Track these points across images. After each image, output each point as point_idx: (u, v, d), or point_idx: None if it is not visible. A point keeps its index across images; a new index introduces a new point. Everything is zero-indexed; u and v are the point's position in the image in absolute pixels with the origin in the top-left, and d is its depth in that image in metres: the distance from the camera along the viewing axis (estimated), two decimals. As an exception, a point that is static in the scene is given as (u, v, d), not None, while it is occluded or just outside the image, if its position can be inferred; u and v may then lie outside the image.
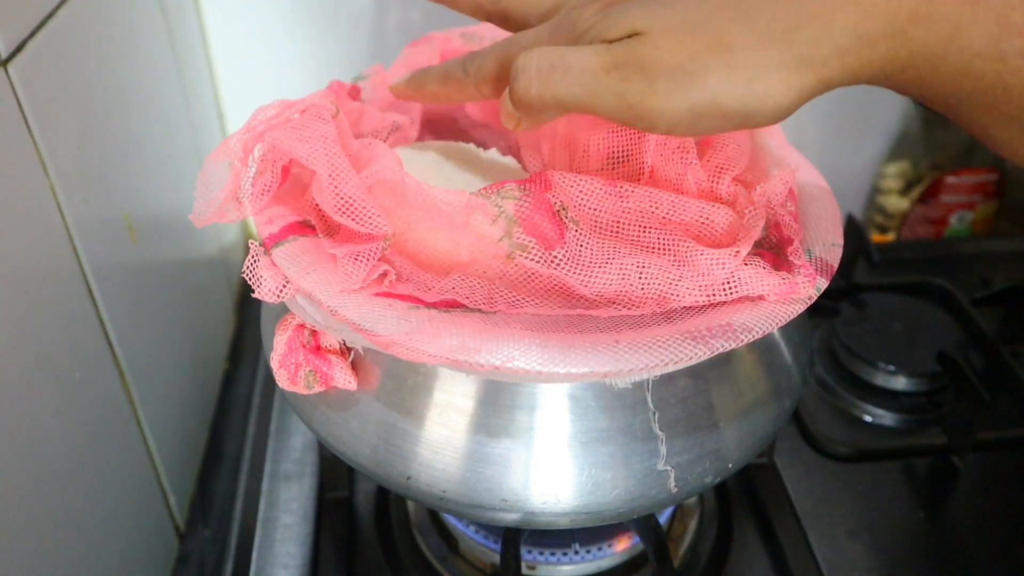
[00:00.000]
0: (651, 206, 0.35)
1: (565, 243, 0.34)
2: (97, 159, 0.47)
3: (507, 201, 0.34)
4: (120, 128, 0.51)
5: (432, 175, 0.40)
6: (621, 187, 0.35)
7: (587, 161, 0.40)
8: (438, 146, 0.43)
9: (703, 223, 0.35)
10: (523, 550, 0.47)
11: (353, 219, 0.34)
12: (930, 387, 0.61)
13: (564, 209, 0.34)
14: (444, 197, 0.34)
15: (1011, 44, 0.26)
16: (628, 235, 0.35)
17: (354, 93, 0.45)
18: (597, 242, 0.34)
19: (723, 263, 0.34)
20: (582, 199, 0.35)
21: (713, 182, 0.37)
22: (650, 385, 0.35)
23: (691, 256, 0.34)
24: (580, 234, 0.34)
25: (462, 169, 0.41)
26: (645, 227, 0.35)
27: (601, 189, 0.35)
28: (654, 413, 0.35)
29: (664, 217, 0.35)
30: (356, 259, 0.34)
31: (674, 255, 0.34)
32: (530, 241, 0.34)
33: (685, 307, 0.34)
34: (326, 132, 0.35)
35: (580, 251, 0.34)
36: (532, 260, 0.34)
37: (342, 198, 0.34)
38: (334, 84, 0.42)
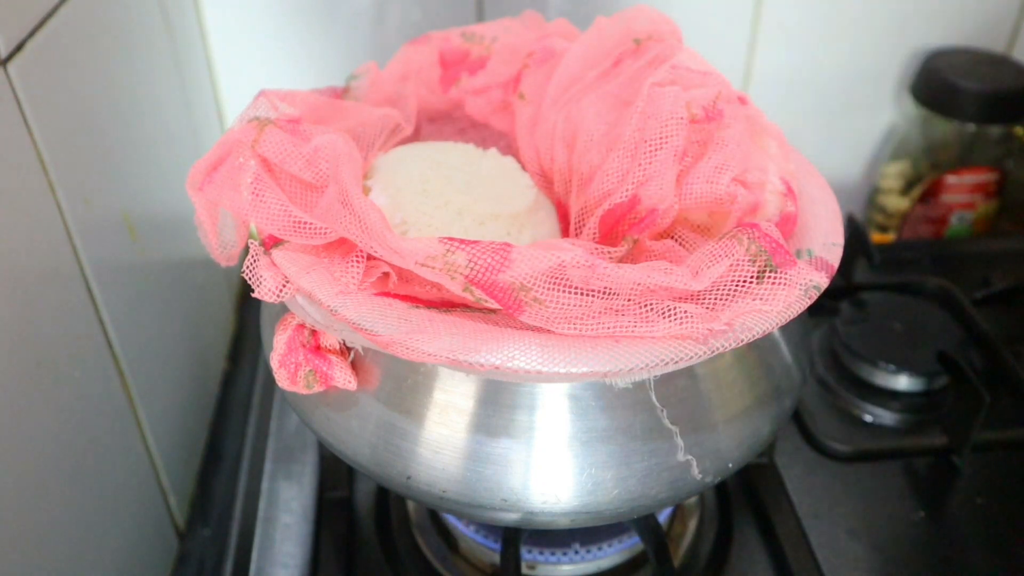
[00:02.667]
0: (620, 277, 0.32)
1: (524, 314, 0.32)
2: (97, 159, 0.47)
3: (457, 275, 0.32)
4: (120, 128, 0.51)
5: (432, 175, 0.39)
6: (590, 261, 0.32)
7: (588, 157, 0.40)
8: (438, 146, 0.43)
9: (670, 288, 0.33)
10: (523, 550, 0.47)
11: (306, 237, 0.35)
12: (930, 387, 0.60)
13: (525, 289, 0.32)
14: (398, 243, 0.33)
15: None
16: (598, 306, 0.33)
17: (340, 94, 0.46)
18: (564, 310, 0.32)
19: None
20: (545, 278, 0.32)
21: (713, 182, 0.37)
22: (652, 383, 0.35)
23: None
24: (544, 310, 0.32)
25: (462, 169, 0.41)
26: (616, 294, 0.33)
27: (570, 261, 0.32)
28: (662, 409, 0.35)
29: (636, 282, 0.32)
30: (345, 264, 0.34)
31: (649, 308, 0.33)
32: (489, 300, 0.32)
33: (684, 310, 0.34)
34: (246, 179, 0.36)
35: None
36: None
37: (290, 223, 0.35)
38: (266, 92, 0.40)
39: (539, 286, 0.32)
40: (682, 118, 0.37)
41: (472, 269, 0.32)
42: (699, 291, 0.33)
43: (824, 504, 0.53)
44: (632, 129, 0.37)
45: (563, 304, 0.32)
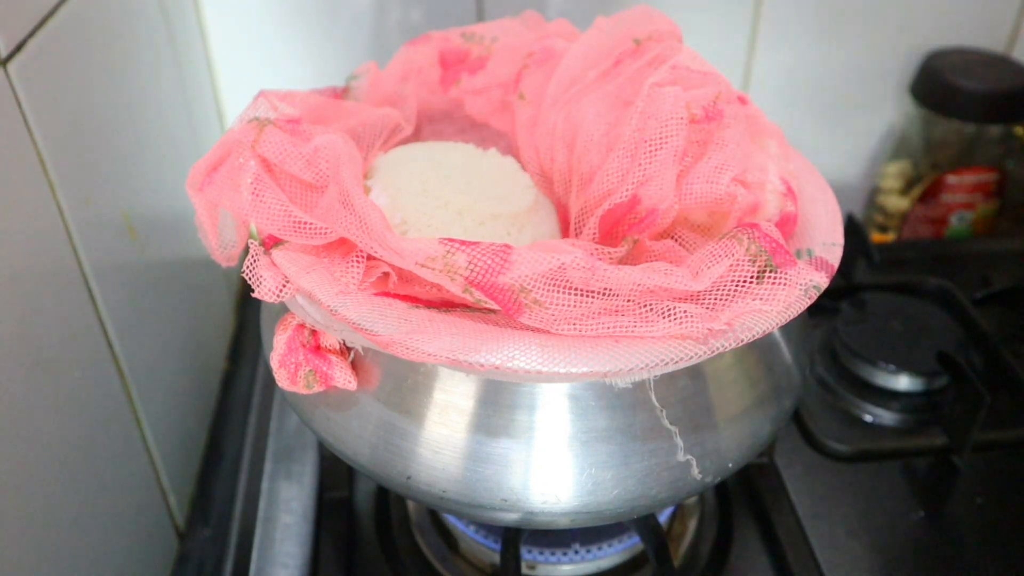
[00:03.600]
0: (620, 279, 0.32)
1: (524, 316, 0.32)
2: (97, 159, 0.47)
3: (457, 276, 0.32)
4: (120, 128, 0.51)
5: (432, 175, 0.39)
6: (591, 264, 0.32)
7: (588, 157, 0.40)
8: (438, 146, 0.43)
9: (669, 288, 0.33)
10: (523, 550, 0.47)
11: (306, 237, 0.35)
12: (930, 387, 0.60)
13: (525, 291, 0.32)
14: (399, 244, 0.33)
15: None
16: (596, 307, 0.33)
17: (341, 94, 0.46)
18: (563, 311, 0.32)
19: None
20: (545, 280, 0.32)
21: (713, 182, 0.37)
22: (652, 383, 0.35)
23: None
24: (544, 312, 0.32)
25: (462, 169, 0.41)
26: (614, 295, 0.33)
27: (571, 264, 0.32)
28: (661, 410, 0.35)
29: (636, 283, 0.32)
30: (346, 264, 0.34)
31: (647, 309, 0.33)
32: (489, 301, 0.32)
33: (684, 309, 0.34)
34: (246, 179, 0.36)
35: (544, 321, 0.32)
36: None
37: (290, 222, 0.35)
38: (266, 93, 0.40)
39: (539, 288, 0.32)
40: (682, 118, 0.37)
41: (472, 271, 0.32)
42: (699, 291, 0.33)
43: (824, 504, 0.53)
44: (632, 129, 0.37)
45: (563, 306, 0.32)
